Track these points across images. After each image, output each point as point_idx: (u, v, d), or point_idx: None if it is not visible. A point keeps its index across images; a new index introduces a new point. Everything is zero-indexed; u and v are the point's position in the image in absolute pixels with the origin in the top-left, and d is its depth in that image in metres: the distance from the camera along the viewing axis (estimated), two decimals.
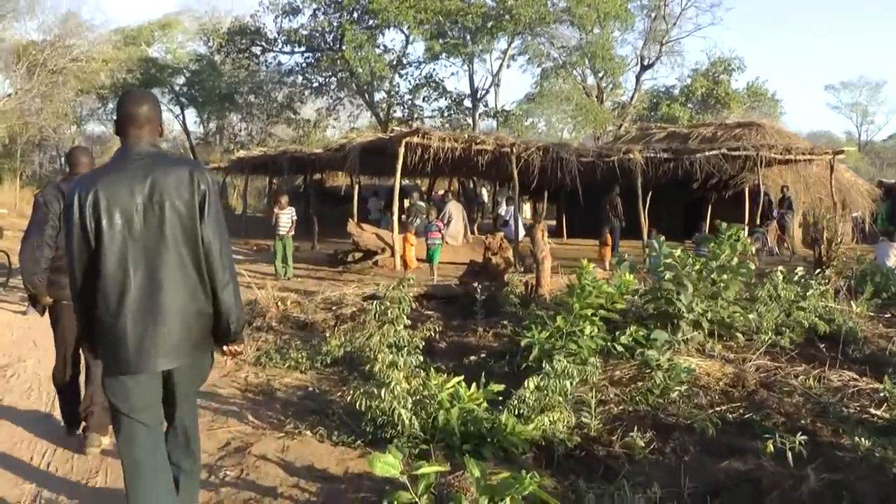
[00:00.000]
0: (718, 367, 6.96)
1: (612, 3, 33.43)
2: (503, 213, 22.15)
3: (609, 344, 7.24)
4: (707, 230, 16.44)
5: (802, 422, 5.98)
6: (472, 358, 7.64)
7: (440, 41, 34.46)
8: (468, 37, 34.76)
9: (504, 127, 36.92)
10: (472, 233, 19.76)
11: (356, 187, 20.36)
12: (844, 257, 13.68)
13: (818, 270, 11.16)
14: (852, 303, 10.36)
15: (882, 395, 6.65)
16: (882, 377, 7.36)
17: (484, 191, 33.37)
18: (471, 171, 21.76)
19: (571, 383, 5.87)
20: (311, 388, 7.04)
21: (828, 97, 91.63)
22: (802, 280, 10.25)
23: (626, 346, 7.32)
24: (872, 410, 6.33)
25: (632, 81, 42.85)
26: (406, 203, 20.79)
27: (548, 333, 7.00)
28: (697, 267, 8.35)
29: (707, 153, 17.83)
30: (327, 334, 8.68)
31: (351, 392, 5.58)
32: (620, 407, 6.29)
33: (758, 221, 18.16)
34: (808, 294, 9.79)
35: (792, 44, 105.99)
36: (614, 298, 7.44)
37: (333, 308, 10.15)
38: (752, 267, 8.99)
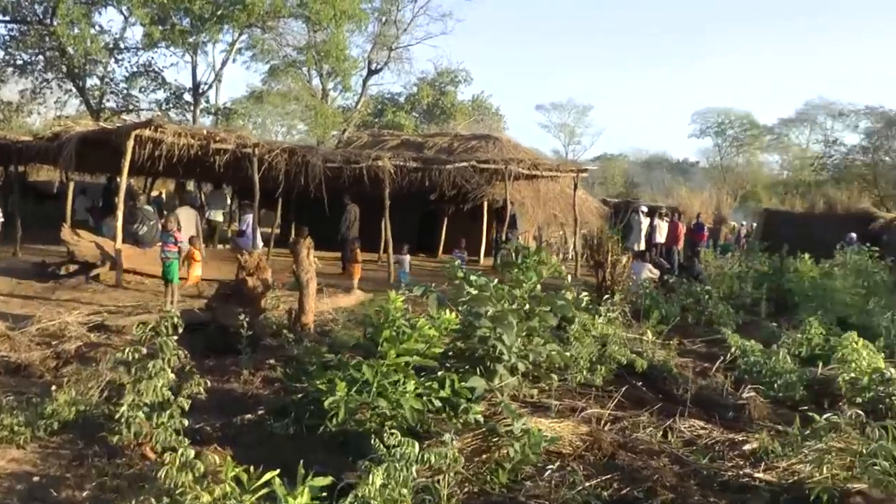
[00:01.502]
0: (572, 429, 6.10)
1: (349, 1, 33.77)
2: (241, 223, 20.97)
3: (426, 399, 6.05)
4: (443, 244, 16.69)
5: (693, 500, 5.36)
6: (248, 416, 6.28)
7: (160, 27, 32.73)
8: (193, 25, 33.21)
9: (224, 126, 35.13)
10: (207, 245, 18.48)
11: (71, 184, 18.59)
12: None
13: (606, 296, 11.24)
14: (649, 332, 10.52)
15: (751, 449, 6.39)
16: (713, 418, 7.36)
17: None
18: (206, 172, 20.08)
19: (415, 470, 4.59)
20: (35, 478, 5.12)
21: (539, 116, 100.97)
22: (591, 307, 10.13)
23: (446, 399, 6.20)
24: (754, 473, 5.90)
25: (358, 86, 43.43)
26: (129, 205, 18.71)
27: (352, 387, 5.61)
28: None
29: (458, 164, 18.11)
30: (51, 384, 6.69)
31: None
32: (465, 489, 5.16)
33: (504, 237, 18.54)
34: (596, 322, 9.71)
35: (511, 62, 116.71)
36: (433, 342, 6.26)
37: (53, 343, 8.61)
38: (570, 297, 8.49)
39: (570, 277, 9.83)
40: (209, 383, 5.40)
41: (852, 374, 8.28)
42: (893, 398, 7.84)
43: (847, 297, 14.82)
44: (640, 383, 8.55)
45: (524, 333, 7.50)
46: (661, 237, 22.01)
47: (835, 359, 9.51)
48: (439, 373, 6.43)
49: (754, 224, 35.75)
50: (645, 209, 23.04)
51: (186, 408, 5.06)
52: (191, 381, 5.15)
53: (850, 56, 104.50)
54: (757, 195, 47.84)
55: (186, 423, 4.91)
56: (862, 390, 8.09)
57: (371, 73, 42.53)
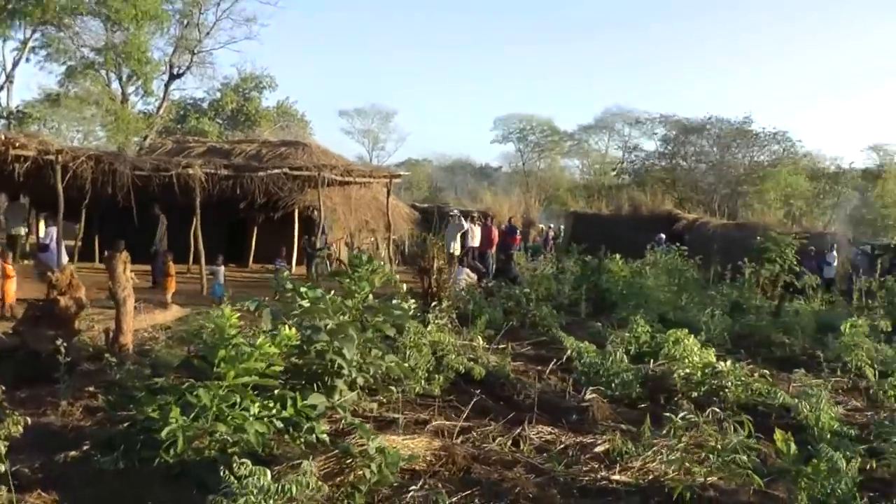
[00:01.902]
0: (426, 444, 5.87)
1: (151, 1, 32.82)
2: (44, 237, 19.75)
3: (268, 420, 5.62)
4: (254, 253, 16.31)
5: None
6: (71, 453, 5.61)
7: None
8: None
9: (18, 131, 32.17)
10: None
11: None
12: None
13: (433, 303, 11.15)
14: (480, 338, 10.53)
15: (603, 450, 6.44)
16: (559, 421, 7.40)
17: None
18: (3, 183, 18.38)
19: None
20: None
21: (342, 122, 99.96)
22: (419, 315, 10.03)
23: (287, 419, 5.79)
24: (611, 476, 5.93)
25: (160, 90, 41.65)
26: None
27: (188, 413, 5.09)
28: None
29: (270, 171, 17.92)
30: None
31: None
32: None
33: (318, 244, 18.26)
34: (427, 330, 9.59)
35: (313, 67, 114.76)
36: (274, 360, 5.84)
37: None
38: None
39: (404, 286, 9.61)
40: (28, 420, 4.72)
41: (687, 370, 8.62)
42: (727, 390, 8.24)
43: (661, 294, 15.66)
44: (479, 391, 8.46)
45: (362, 346, 7.22)
46: (474, 241, 22.34)
47: (662, 355, 9.95)
48: (277, 391, 6.02)
49: (562, 226, 37.31)
50: (457, 213, 23.37)
51: (3, 451, 4.35)
52: (6, 418, 4.43)
53: (644, 67, 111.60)
54: (560, 198, 49.99)
55: (2, 468, 4.24)
56: (697, 385, 8.45)
57: (173, 77, 41.17)
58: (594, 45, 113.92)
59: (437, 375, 8.36)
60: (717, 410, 5.61)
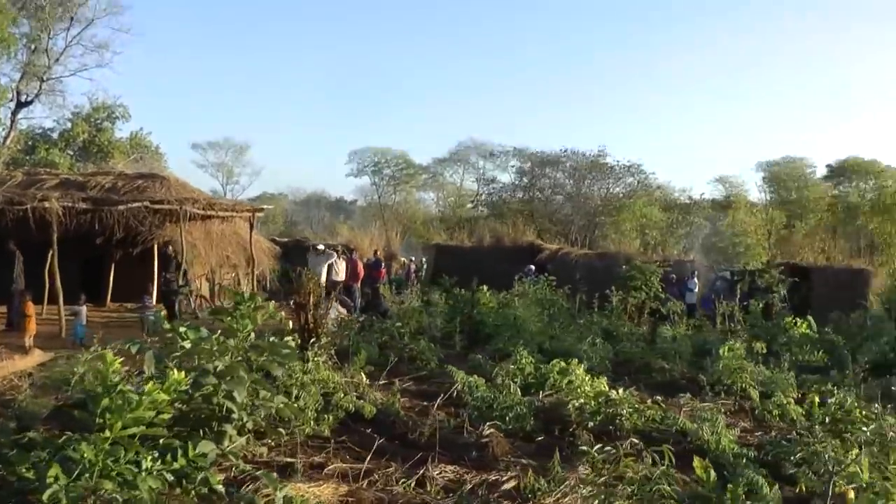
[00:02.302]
0: (332, 491, 5.52)
1: None
2: None
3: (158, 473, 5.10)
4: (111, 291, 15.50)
5: None
6: None
7: None
8: None
9: None
10: None
11: None
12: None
13: (312, 339, 10.73)
14: (363, 374, 10.19)
15: (511, 487, 6.27)
16: (460, 459, 7.23)
17: None
18: None
19: None
20: None
21: (195, 155, 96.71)
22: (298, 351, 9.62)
23: (178, 471, 5.29)
24: None
25: (7, 119, 38.59)
26: None
27: (70, 471, 4.52)
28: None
29: (131, 204, 17.14)
30: None
31: None
32: None
33: (180, 281, 17.41)
34: (310, 367, 9.22)
35: (166, 98, 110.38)
36: (163, 407, 5.33)
37: None
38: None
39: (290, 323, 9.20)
40: None
41: (581, 400, 8.58)
42: (622, 419, 8.25)
43: (534, 325, 15.74)
44: (371, 430, 8.15)
45: (250, 387, 6.76)
46: (339, 275, 21.91)
47: (548, 385, 9.93)
48: (162, 441, 5.50)
49: (423, 259, 37.31)
50: (322, 247, 22.90)
51: None
52: None
53: (497, 100, 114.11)
54: (418, 231, 50.26)
55: None
56: (592, 415, 8.41)
57: (21, 105, 38.67)
58: (448, 78, 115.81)
59: (326, 415, 7.99)
60: (636, 441, 5.52)
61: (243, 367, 6.44)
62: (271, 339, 7.81)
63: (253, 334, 7.59)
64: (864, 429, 7.54)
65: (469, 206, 51.17)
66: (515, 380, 10.28)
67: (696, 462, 5.24)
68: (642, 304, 20.03)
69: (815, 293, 22.70)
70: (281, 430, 7.26)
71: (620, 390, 8.83)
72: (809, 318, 16.62)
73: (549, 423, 8.65)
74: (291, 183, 78.61)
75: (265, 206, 25.16)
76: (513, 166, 48.90)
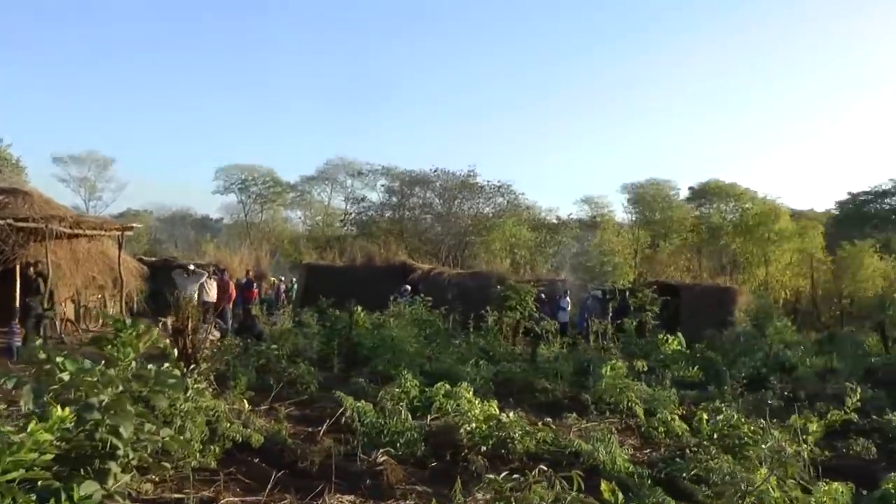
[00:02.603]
0: None
1: None
2: None
3: None
4: None
5: None
6: None
7: None
8: None
9: None
10: None
11: None
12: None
13: (192, 366, 10.34)
14: (245, 402, 9.89)
15: None
16: (355, 488, 7.16)
17: None
18: None
19: None
20: None
21: (56, 169, 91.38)
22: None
23: None
24: None
25: None
26: None
27: None
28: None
29: None
30: None
31: None
32: None
33: (45, 304, 16.44)
34: (190, 395, 8.90)
35: (27, 108, 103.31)
36: (46, 448, 5.00)
37: None
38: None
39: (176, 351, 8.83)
40: None
41: (472, 424, 8.59)
42: (514, 442, 8.32)
43: (411, 346, 15.74)
44: (259, 460, 7.93)
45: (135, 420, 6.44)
46: (210, 296, 21.33)
47: (434, 409, 9.92)
48: (41, 483, 5.15)
49: (294, 279, 36.76)
50: (192, 267, 22.23)
51: None
52: None
53: (365, 118, 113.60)
54: (286, 250, 49.56)
55: None
56: (483, 438, 8.44)
57: None
58: (315, 95, 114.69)
59: (211, 446, 7.70)
60: (546, 468, 5.55)
61: (128, 400, 6.11)
62: (149, 366, 7.50)
63: (134, 363, 7.26)
64: (764, 446, 7.82)
65: (339, 224, 50.82)
66: (400, 405, 10.22)
67: (604, 485, 5.33)
68: (517, 324, 20.35)
69: (683, 310, 23.66)
70: (166, 464, 6.95)
71: (510, 413, 8.91)
72: (679, 335, 17.34)
73: (440, 448, 8.62)
74: (155, 199, 75.63)
75: (135, 224, 24.17)
76: (383, 185, 49.06)
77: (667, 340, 16.94)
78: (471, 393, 9.36)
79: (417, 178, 44.31)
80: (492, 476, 5.29)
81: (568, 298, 24.40)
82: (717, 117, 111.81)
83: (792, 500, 5.86)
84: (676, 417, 10.15)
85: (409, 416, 9.08)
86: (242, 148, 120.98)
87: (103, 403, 5.84)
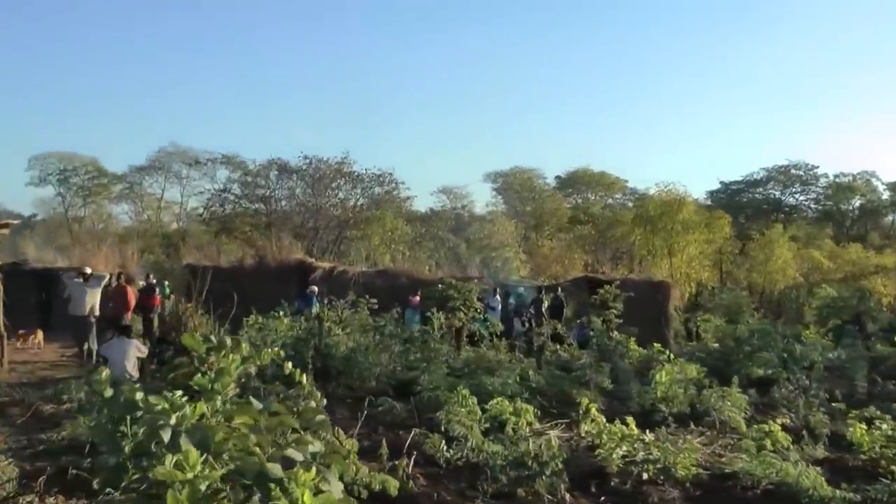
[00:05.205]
0: None
1: None
2: None
3: None
4: None
5: None
6: None
7: None
8: None
9: None
10: None
11: None
12: None
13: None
14: None
15: None
16: None
17: None
18: None
19: None
20: None
21: None
22: None
23: None
24: None
25: None
26: None
27: None
28: None
29: None
30: None
31: None
32: None
33: None
34: None
35: None
36: None
37: None
38: None
39: None
40: None
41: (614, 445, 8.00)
42: (676, 467, 7.81)
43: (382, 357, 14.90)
44: None
45: None
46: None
47: (508, 429, 9.28)
48: None
49: (166, 282, 34.32)
50: (89, 271, 19.93)
51: None
52: None
53: (199, 101, 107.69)
54: (154, 250, 46.31)
55: None
56: (645, 463, 7.89)
57: None
58: (146, 75, 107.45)
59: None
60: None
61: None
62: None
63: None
64: None
65: (198, 219, 47.19)
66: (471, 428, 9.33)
67: None
68: (461, 326, 19.70)
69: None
70: None
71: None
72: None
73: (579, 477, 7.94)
74: None
75: (11, 221, 21.51)
76: (234, 178, 46.14)
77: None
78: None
79: (285, 165, 42.05)
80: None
81: (498, 297, 23.67)
82: (583, 105, 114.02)
83: None
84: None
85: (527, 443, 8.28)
86: (61, 135, 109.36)
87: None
